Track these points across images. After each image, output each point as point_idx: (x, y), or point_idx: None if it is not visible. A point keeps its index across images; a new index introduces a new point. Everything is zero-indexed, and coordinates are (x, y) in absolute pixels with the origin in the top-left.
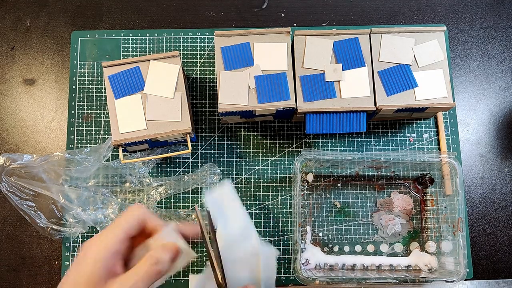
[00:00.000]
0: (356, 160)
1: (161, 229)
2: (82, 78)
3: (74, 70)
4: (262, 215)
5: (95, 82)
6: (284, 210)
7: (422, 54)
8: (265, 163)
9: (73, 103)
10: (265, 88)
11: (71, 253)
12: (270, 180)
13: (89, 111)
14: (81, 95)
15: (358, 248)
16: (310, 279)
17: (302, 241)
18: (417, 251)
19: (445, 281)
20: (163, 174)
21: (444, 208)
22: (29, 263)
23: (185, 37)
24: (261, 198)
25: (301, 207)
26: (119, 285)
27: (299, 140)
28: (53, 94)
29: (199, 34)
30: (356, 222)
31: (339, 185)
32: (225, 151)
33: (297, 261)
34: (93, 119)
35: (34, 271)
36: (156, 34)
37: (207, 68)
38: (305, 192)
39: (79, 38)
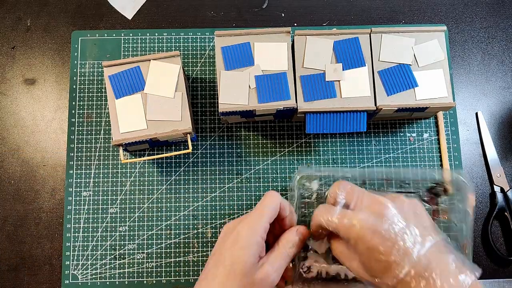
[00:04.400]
0: (357, 177)
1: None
2: (82, 78)
3: (75, 70)
4: None
5: (95, 82)
6: None
7: (422, 54)
8: (265, 163)
9: (73, 103)
10: (265, 88)
11: (71, 253)
12: (270, 180)
13: (90, 111)
14: (82, 95)
15: None
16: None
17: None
18: None
19: None
20: (163, 174)
21: (455, 225)
22: (29, 262)
23: (185, 37)
24: (261, 198)
25: (303, 216)
26: (270, 268)
27: (299, 140)
28: (53, 94)
29: (199, 34)
30: None
31: None
32: (225, 151)
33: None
34: (94, 119)
35: (35, 270)
36: (156, 34)
37: (207, 68)
38: (310, 200)
39: (80, 38)
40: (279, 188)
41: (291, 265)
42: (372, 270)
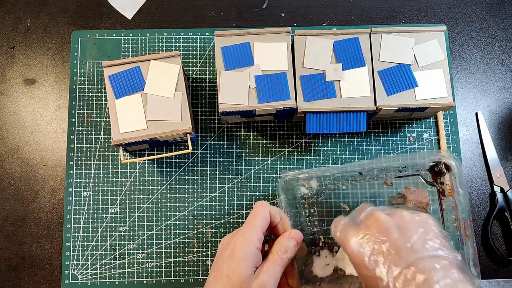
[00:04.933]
0: (340, 173)
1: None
2: (82, 78)
3: (75, 70)
4: None
5: (95, 82)
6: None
7: (422, 54)
8: (265, 163)
9: (73, 103)
10: (265, 87)
11: (71, 253)
12: (270, 180)
13: (90, 111)
14: (82, 95)
15: None
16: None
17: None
18: None
19: None
20: (163, 174)
21: (452, 208)
22: (29, 262)
23: (185, 37)
24: (261, 198)
25: (309, 215)
26: (266, 277)
27: (299, 140)
28: (53, 94)
29: (199, 34)
30: None
31: (344, 187)
32: (225, 151)
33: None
34: (94, 119)
35: (34, 270)
36: (156, 34)
37: (207, 68)
38: (311, 200)
39: (80, 38)
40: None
41: (295, 268)
42: (367, 283)
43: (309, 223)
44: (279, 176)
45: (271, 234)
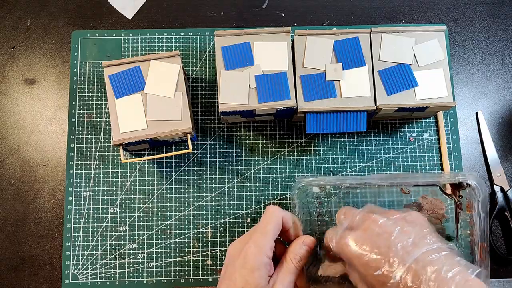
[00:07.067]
0: (356, 184)
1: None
2: (82, 78)
3: (75, 70)
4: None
5: (95, 81)
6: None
7: (423, 53)
8: (265, 162)
9: (73, 103)
10: (265, 87)
11: (71, 253)
12: (270, 180)
13: (90, 111)
14: (82, 94)
15: None
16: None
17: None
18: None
19: None
20: (163, 174)
21: (468, 222)
22: (29, 262)
23: (186, 36)
24: (261, 198)
25: (319, 215)
26: (281, 287)
27: (300, 140)
28: (53, 94)
29: (200, 33)
30: None
31: (358, 191)
32: (226, 150)
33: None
34: (94, 119)
35: (35, 270)
36: (156, 34)
37: (207, 68)
38: (323, 199)
39: (80, 38)
40: (278, 188)
41: (304, 270)
42: (373, 283)
43: (319, 223)
44: (295, 180)
45: (281, 238)
